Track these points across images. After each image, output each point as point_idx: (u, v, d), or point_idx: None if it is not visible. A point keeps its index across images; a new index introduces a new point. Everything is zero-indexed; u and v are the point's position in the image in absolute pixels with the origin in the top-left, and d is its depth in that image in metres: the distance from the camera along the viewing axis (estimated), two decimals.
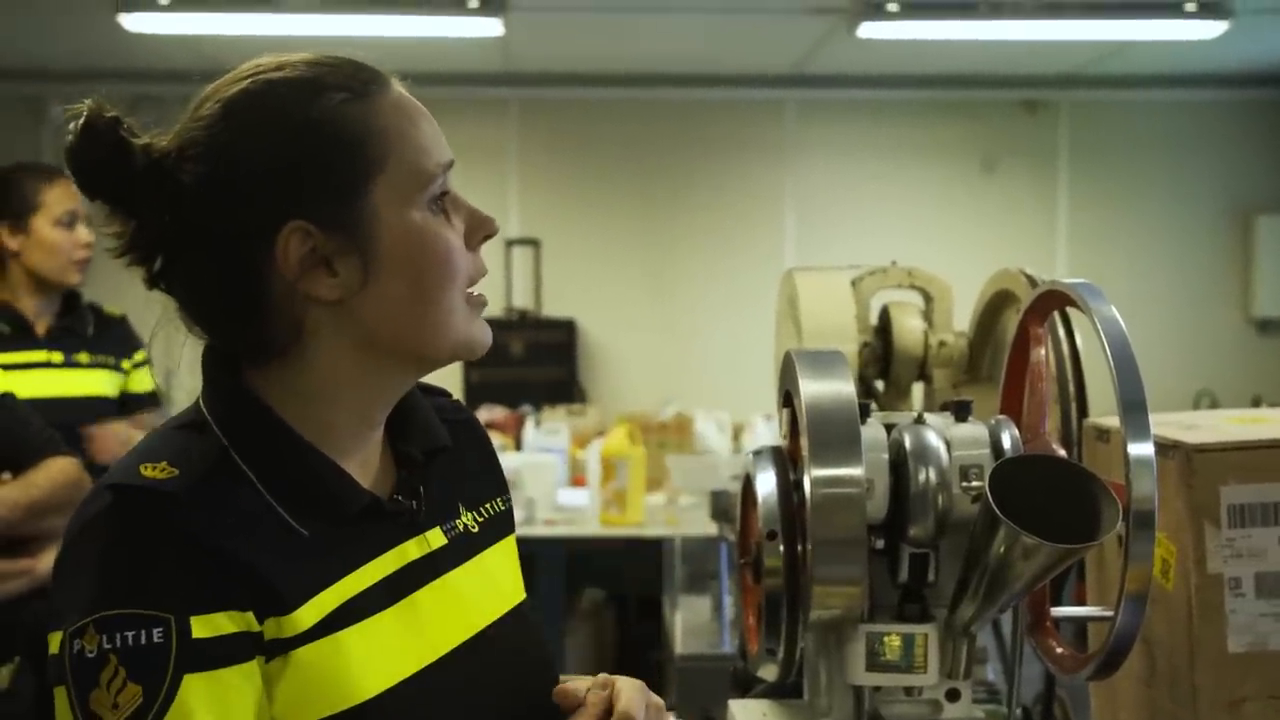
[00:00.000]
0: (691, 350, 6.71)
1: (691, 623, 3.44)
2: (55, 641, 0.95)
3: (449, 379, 6.24)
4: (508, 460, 4.68)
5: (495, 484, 1.25)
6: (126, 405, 3.08)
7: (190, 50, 5.05)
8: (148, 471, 0.98)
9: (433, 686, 1.05)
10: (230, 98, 1.03)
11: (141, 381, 3.11)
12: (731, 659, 2.34)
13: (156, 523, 0.95)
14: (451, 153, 1.08)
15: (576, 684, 1.12)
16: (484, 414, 5.58)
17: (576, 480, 4.90)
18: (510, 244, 6.69)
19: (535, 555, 4.45)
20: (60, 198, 2.91)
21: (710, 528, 3.41)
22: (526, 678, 1.15)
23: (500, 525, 1.22)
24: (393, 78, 1.08)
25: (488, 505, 1.21)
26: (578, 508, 4.63)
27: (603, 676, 1.12)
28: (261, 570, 0.97)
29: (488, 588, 1.16)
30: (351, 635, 1.00)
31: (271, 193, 1.01)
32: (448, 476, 1.16)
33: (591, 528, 4.46)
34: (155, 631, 0.92)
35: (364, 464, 1.09)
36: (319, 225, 1.01)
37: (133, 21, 5.03)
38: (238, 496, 1.00)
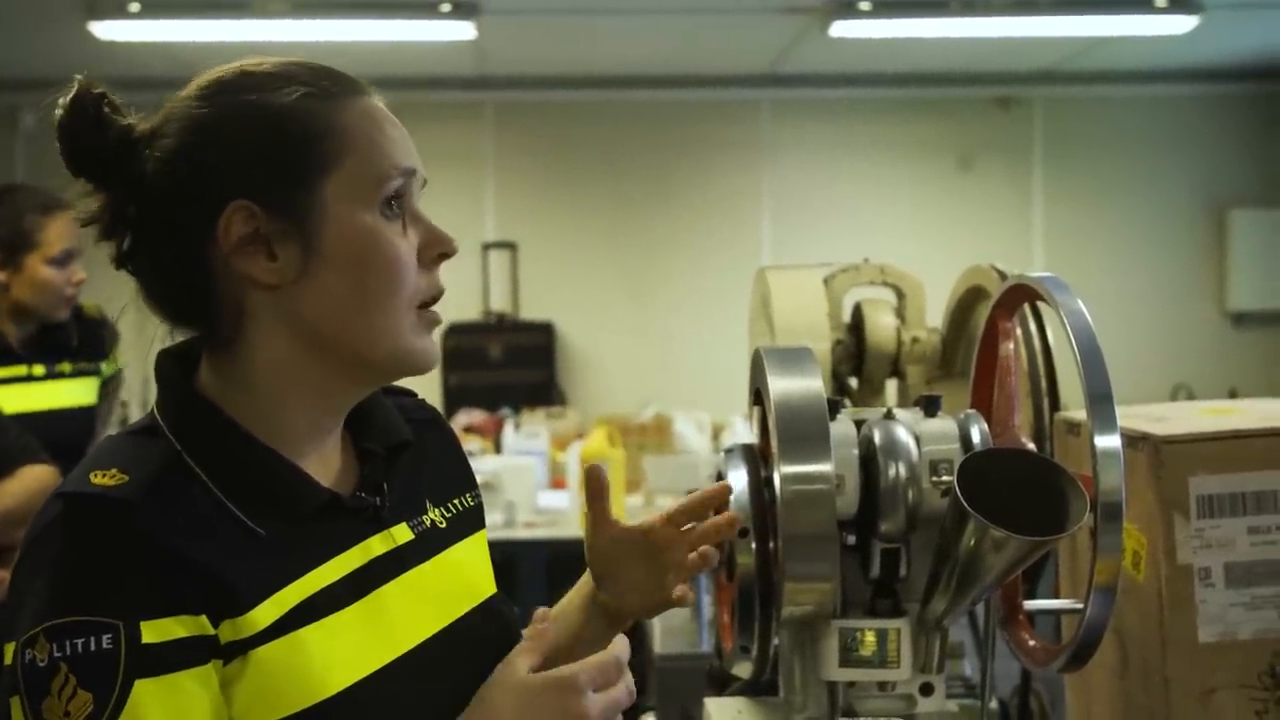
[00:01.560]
0: (670, 351, 6.72)
1: (670, 623, 3.44)
2: (9, 652, 0.94)
3: (427, 381, 6.26)
4: (487, 463, 4.68)
5: (463, 480, 1.25)
6: (104, 392, 3.07)
7: (162, 57, 5.02)
8: (97, 479, 0.98)
9: (398, 682, 1.05)
10: (205, 82, 1.06)
11: (115, 366, 3.10)
12: (709, 658, 2.34)
13: (105, 529, 0.95)
14: (419, 164, 1.09)
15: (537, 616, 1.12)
16: (463, 417, 5.57)
17: (557, 483, 4.89)
18: (487, 247, 6.69)
19: (516, 558, 4.44)
20: (57, 236, 2.83)
21: None
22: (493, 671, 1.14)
23: (469, 521, 1.22)
24: (373, 91, 1.10)
25: (456, 501, 1.21)
26: (558, 510, 4.63)
27: (541, 610, 1.11)
28: (215, 572, 0.96)
29: (456, 583, 1.16)
30: (312, 632, 1.00)
31: (224, 171, 1.02)
32: (413, 473, 1.17)
33: (572, 530, 4.45)
34: (104, 638, 0.92)
35: (323, 462, 1.09)
36: (264, 207, 1.02)
37: (104, 29, 5.01)
38: (190, 499, 1.00)
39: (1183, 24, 5.23)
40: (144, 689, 0.92)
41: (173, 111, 1.05)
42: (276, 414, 1.06)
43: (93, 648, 0.92)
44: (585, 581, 1.35)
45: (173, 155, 1.03)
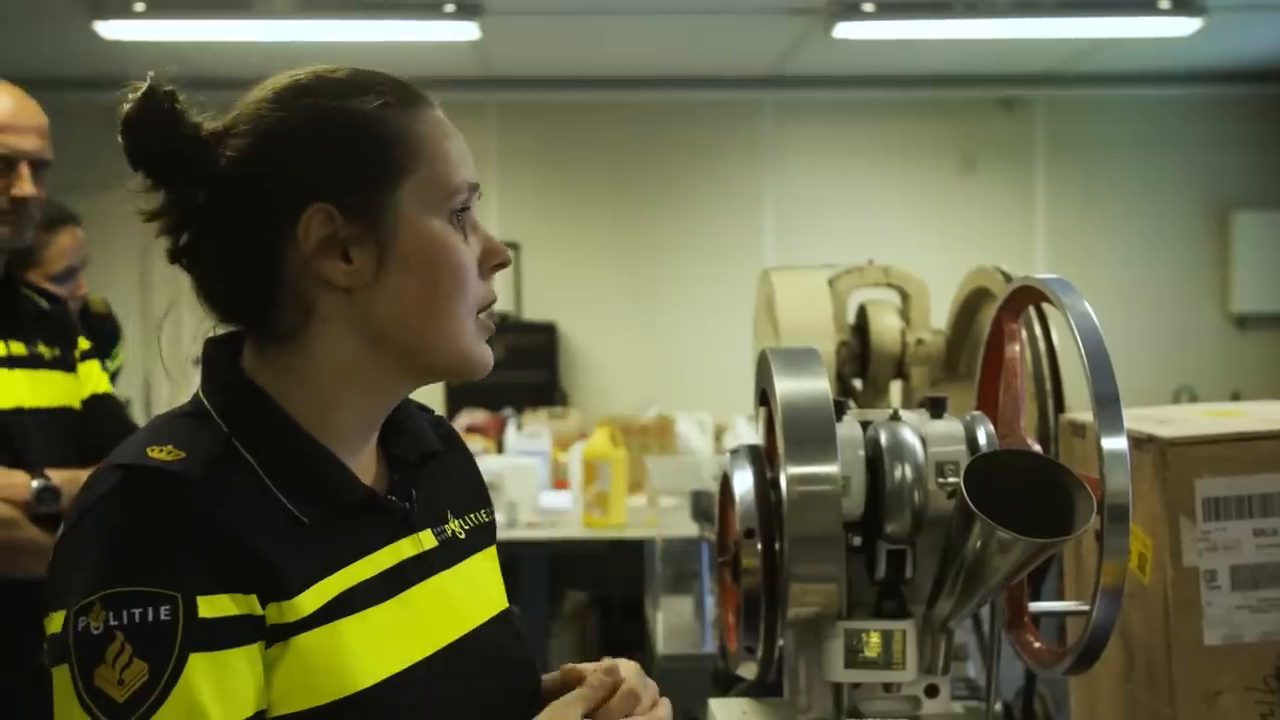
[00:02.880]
0: (672, 352, 6.71)
1: (673, 623, 3.44)
2: (58, 621, 0.95)
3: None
4: (490, 464, 4.67)
5: (480, 496, 1.27)
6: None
7: (167, 57, 5.02)
8: (155, 453, 0.99)
9: (425, 681, 1.06)
10: (281, 85, 1.08)
11: (117, 364, 3.10)
12: (713, 659, 2.34)
13: (164, 502, 0.96)
14: (477, 179, 1.12)
15: (583, 667, 1.15)
16: (465, 418, 5.57)
17: (559, 483, 4.89)
18: None
19: (518, 558, 4.44)
20: (59, 253, 2.82)
21: (692, 528, 3.41)
22: (511, 679, 1.17)
23: (484, 536, 1.24)
24: (438, 103, 1.13)
25: (473, 515, 1.23)
26: (560, 510, 4.63)
27: (608, 661, 1.14)
28: (265, 555, 0.98)
29: (475, 592, 1.17)
30: (350, 624, 1.01)
31: (303, 172, 1.04)
32: (437, 483, 1.18)
33: (574, 530, 4.46)
34: (163, 609, 0.93)
35: (362, 464, 1.11)
36: (342, 211, 1.04)
37: (109, 29, 5.01)
38: (242, 482, 1.01)
39: (1186, 26, 5.23)
40: (197, 663, 0.93)
41: (246, 112, 1.07)
42: (328, 409, 1.07)
43: (150, 618, 0.92)
44: None
45: (249, 156, 1.04)
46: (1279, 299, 6.74)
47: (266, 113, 1.06)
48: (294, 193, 1.04)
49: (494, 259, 1.11)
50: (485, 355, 1.11)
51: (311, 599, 0.99)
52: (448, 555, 1.15)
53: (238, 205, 1.05)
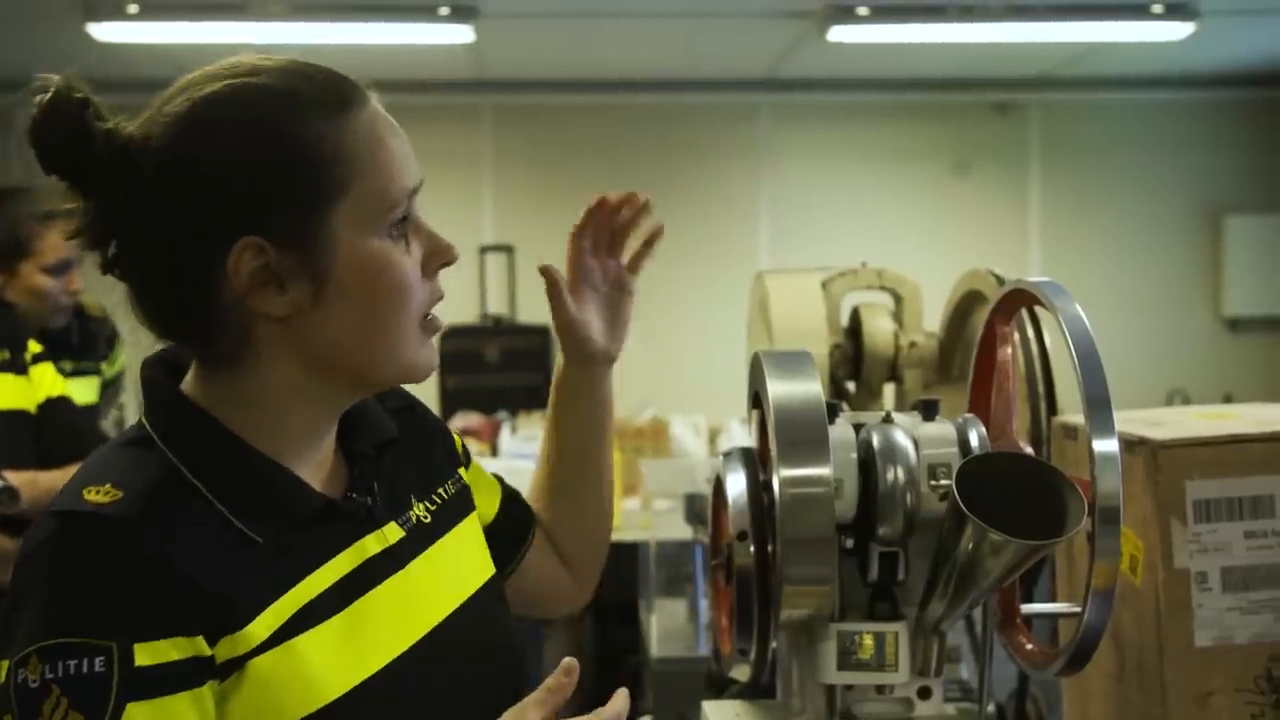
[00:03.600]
0: (667, 355, 6.71)
1: (667, 626, 3.44)
2: (2, 670, 0.94)
3: (425, 386, 6.24)
4: (485, 466, 4.66)
5: (445, 466, 1.24)
6: (105, 393, 3.07)
7: (161, 59, 5.03)
8: (91, 495, 0.97)
9: (393, 685, 1.04)
10: (200, 98, 1.00)
11: (117, 368, 3.09)
12: (707, 661, 2.34)
13: (100, 549, 0.94)
14: (420, 174, 1.07)
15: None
16: (460, 420, 5.57)
17: None
18: (484, 250, 6.69)
19: None
20: (54, 245, 2.80)
21: (686, 531, 3.41)
22: (488, 664, 1.15)
23: (455, 509, 1.21)
24: (371, 91, 1.06)
25: (439, 492, 1.20)
26: None
27: (567, 661, 1.08)
28: (212, 589, 0.95)
29: (447, 576, 1.15)
30: (310, 639, 1.00)
31: (229, 203, 0.99)
32: (397, 469, 1.16)
33: None
34: (97, 660, 0.91)
35: (316, 466, 1.09)
36: (273, 242, 0.99)
37: (102, 31, 5.01)
38: (186, 512, 0.98)
39: (1179, 30, 5.24)
40: (135, 712, 0.92)
41: (164, 125, 1.00)
42: (276, 424, 1.05)
43: (85, 670, 0.91)
44: (558, 378, 1.45)
45: (171, 183, 0.99)
46: (1271, 302, 6.76)
47: (184, 134, 0.99)
48: (219, 227, 0.99)
49: (439, 259, 1.07)
50: (429, 359, 1.08)
51: (266, 623, 0.98)
52: (415, 544, 1.13)
53: (161, 231, 1.00)
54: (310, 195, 1.00)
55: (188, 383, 1.06)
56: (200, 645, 0.95)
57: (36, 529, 0.98)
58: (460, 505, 1.23)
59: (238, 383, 1.04)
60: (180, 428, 1.03)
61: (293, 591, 1.00)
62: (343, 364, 1.04)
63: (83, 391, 3.02)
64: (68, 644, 0.91)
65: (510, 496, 1.39)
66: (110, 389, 3.12)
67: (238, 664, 0.96)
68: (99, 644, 0.92)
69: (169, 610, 0.94)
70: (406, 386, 1.23)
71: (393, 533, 1.11)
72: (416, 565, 1.12)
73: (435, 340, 1.10)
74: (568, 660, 1.07)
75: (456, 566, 1.18)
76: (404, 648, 1.07)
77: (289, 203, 1.00)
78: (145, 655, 0.92)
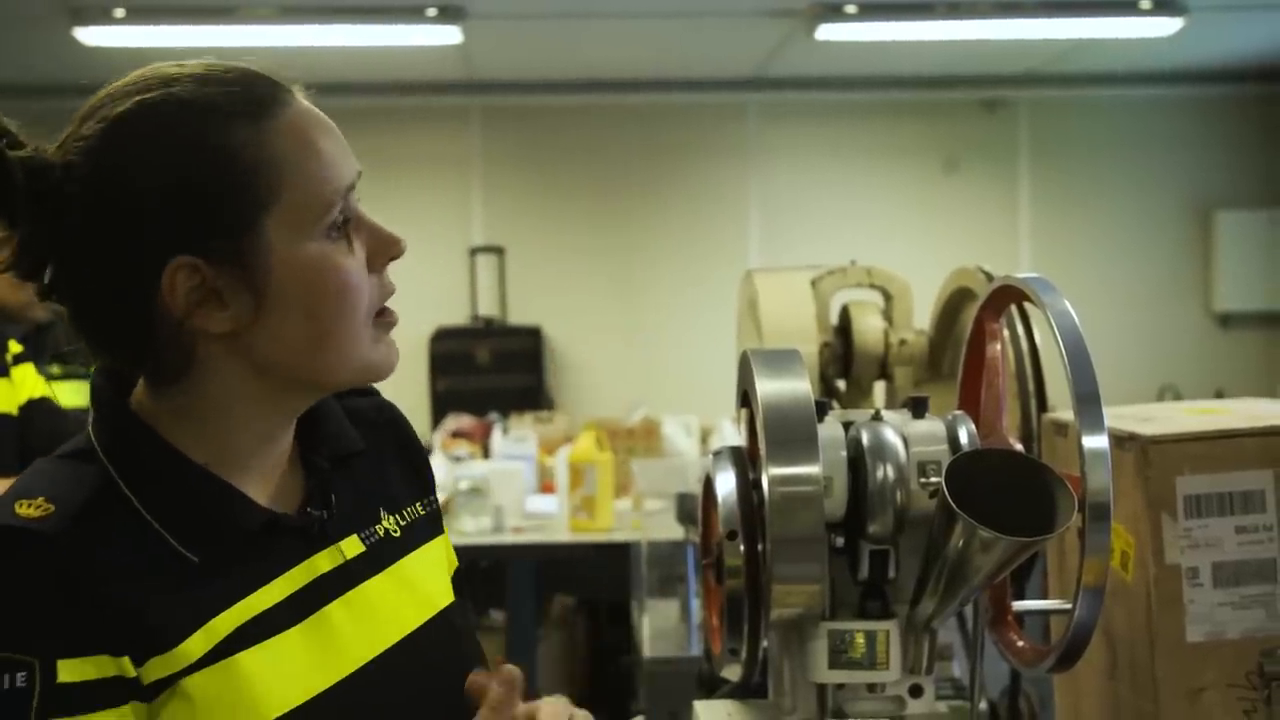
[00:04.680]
0: (658, 355, 6.72)
1: (659, 626, 3.44)
2: None
3: (415, 386, 6.24)
4: (476, 468, 4.67)
5: (419, 486, 1.21)
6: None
7: (148, 63, 5.02)
8: (22, 509, 0.95)
9: (347, 702, 1.02)
10: (114, 118, 0.97)
11: None
12: (699, 661, 2.34)
13: (26, 565, 0.92)
14: (356, 168, 1.03)
15: (484, 679, 1.05)
16: (451, 422, 5.56)
17: (545, 487, 4.88)
18: (475, 252, 6.68)
19: (505, 563, 4.43)
20: None
21: (677, 531, 3.41)
22: (448, 686, 1.10)
23: (423, 529, 1.18)
24: (295, 87, 1.03)
25: (411, 508, 1.18)
26: (547, 515, 4.62)
27: (508, 670, 1.04)
28: (140, 610, 0.94)
29: (408, 595, 1.13)
30: (251, 657, 0.98)
31: (156, 225, 0.96)
32: (366, 480, 1.14)
33: (561, 534, 4.45)
34: (19, 676, 0.90)
35: (267, 478, 1.06)
36: (207, 260, 0.97)
37: (88, 35, 5.00)
38: (119, 529, 0.97)
39: (1168, 26, 5.25)
40: None
41: (81, 151, 0.96)
42: (223, 437, 1.02)
43: (5, 685, 0.90)
44: None
45: (95, 202, 0.96)
46: (1261, 297, 6.78)
47: (102, 157, 0.96)
48: (149, 249, 0.96)
49: (385, 254, 1.03)
50: (387, 358, 1.05)
51: (199, 641, 0.96)
52: (377, 560, 1.10)
53: (91, 257, 0.97)
54: (239, 207, 0.97)
55: (136, 395, 1.04)
56: (125, 665, 0.93)
57: None
58: (430, 526, 1.20)
59: (185, 398, 1.02)
60: (121, 441, 1.01)
61: (231, 610, 0.98)
62: (295, 372, 1.02)
63: (71, 395, 3.00)
64: None
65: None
66: None
67: (169, 683, 0.95)
68: (21, 659, 0.90)
69: (94, 628, 0.92)
70: (393, 397, 1.22)
71: (351, 547, 1.09)
72: (378, 581, 1.09)
73: (391, 336, 1.06)
74: (506, 668, 1.03)
75: (422, 584, 1.15)
76: (360, 663, 1.05)
77: (218, 217, 0.97)
78: (68, 672, 0.91)
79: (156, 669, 0.94)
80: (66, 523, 0.94)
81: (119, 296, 0.99)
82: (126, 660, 0.93)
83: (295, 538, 1.05)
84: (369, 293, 1.02)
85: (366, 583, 1.08)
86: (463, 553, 1.33)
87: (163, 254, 0.96)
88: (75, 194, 0.96)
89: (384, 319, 1.04)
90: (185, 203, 0.96)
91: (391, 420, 1.22)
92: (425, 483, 1.22)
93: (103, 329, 1.02)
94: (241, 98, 0.99)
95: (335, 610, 1.05)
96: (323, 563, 1.06)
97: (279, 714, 0.98)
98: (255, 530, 1.02)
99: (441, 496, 1.28)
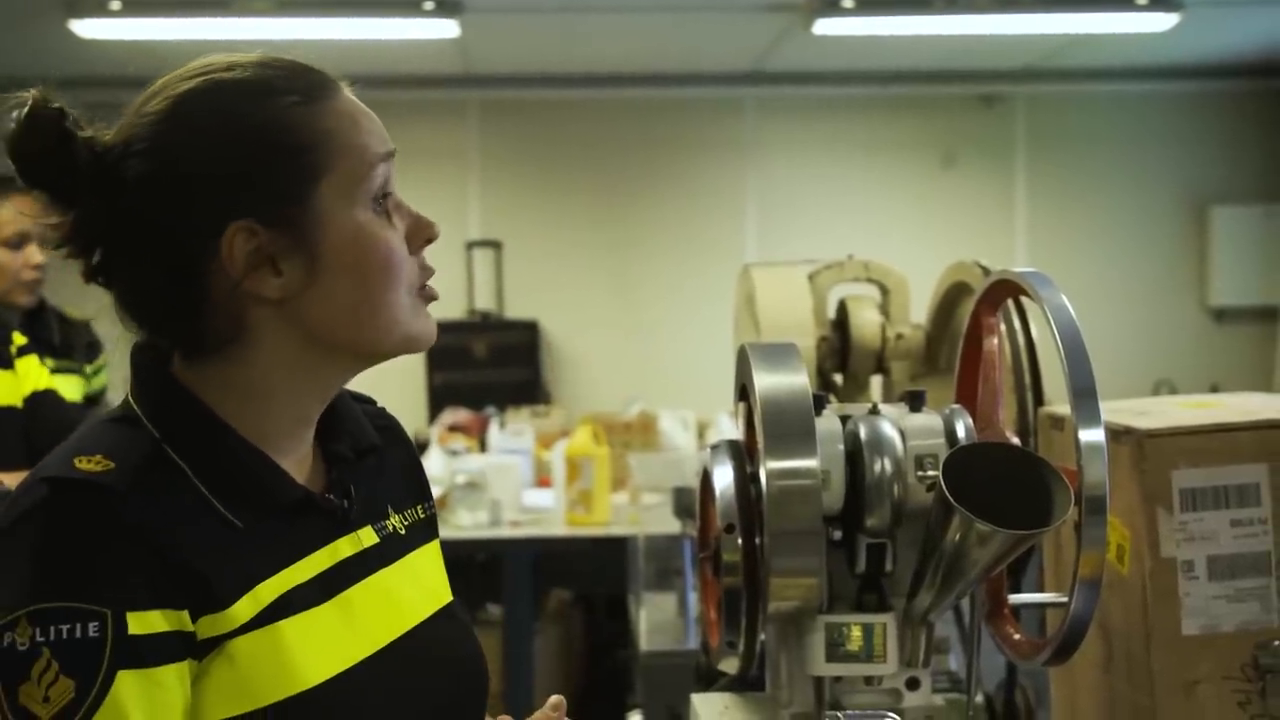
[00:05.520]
0: (655, 349, 6.71)
1: (657, 620, 3.44)
2: None
3: (412, 380, 6.25)
4: (472, 462, 4.66)
5: (418, 491, 1.25)
6: (90, 404, 3.06)
7: (144, 56, 5.01)
8: (83, 464, 0.97)
9: (369, 680, 1.05)
10: (178, 96, 1.03)
11: (101, 382, 3.08)
12: (696, 654, 2.34)
13: (94, 517, 0.94)
14: (392, 144, 1.09)
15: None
16: (448, 416, 5.56)
17: (542, 481, 4.88)
18: (471, 246, 6.68)
19: (502, 557, 4.43)
20: (10, 218, 2.79)
21: (674, 525, 3.41)
22: (458, 674, 1.16)
23: (423, 531, 1.22)
24: (341, 81, 1.09)
25: (411, 511, 1.21)
26: (544, 509, 4.62)
27: (557, 699, 1.15)
28: (198, 566, 0.96)
29: (418, 587, 1.16)
30: (290, 626, 1.00)
31: (216, 193, 1.01)
32: (377, 478, 1.17)
33: (558, 528, 4.45)
34: (91, 626, 0.91)
35: (298, 463, 1.09)
36: (264, 224, 1.01)
37: (84, 27, 4.99)
38: (173, 490, 0.99)
39: (1163, 21, 5.26)
40: (126, 680, 0.92)
41: (145, 126, 1.02)
42: (263, 411, 1.06)
43: (79, 634, 0.91)
44: None
45: (156, 179, 1.01)
46: (1256, 292, 6.78)
47: (166, 130, 1.01)
48: (210, 214, 1.01)
49: (422, 235, 1.09)
50: (428, 328, 1.10)
51: (247, 605, 0.98)
52: (389, 552, 1.14)
53: (151, 229, 1.01)
54: (294, 176, 1.02)
55: (175, 367, 1.07)
56: (185, 620, 0.95)
57: (22, 495, 0.97)
58: (429, 529, 1.24)
59: (228, 370, 1.05)
60: (166, 408, 1.04)
61: (273, 579, 1.01)
62: (343, 339, 1.06)
63: (66, 389, 3.01)
64: (61, 608, 0.91)
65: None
66: (93, 403, 3.10)
67: (217, 643, 0.97)
68: (93, 609, 0.92)
69: (160, 582, 0.94)
70: (389, 390, 1.24)
71: (367, 537, 1.12)
72: (391, 571, 1.13)
73: (431, 310, 1.11)
74: (555, 698, 1.11)
75: (428, 578, 1.19)
76: (378, 647, 1.07)
77: (275, 185, 1.02)
78: (137, 624, 0.93)
79: (207, 628, 0.97)
80: (127, 479, 0.97)
81: (176, 266, 1.02)
82: (186, 615, 0.95)
83: (321, 520, 1.08)
84: (410, 268, 1.07)
85: (382, 571, 1.12)
86: (459, 547, 1.35)
87: (222, 219, 1.01)
88: (136, 171, 1.01)
89: (425, 292, 1.09)
90: (244, 171, 1.02)
91: (394, 426, 1.26)
92: (424, 489, 1.26)
93: (155, 302, 1.04)
94: (297, 81, 1.06)
95: (356, 593, 1.08)
96: (344, 548, 1.09)
97: (315, 683, 1.00)
98: (290, 506, 1.05)
99: (438, 491, 1.30)
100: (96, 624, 0.91)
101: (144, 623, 0.93)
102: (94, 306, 1.09)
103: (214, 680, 0.97)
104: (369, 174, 1.05)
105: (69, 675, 0.91)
